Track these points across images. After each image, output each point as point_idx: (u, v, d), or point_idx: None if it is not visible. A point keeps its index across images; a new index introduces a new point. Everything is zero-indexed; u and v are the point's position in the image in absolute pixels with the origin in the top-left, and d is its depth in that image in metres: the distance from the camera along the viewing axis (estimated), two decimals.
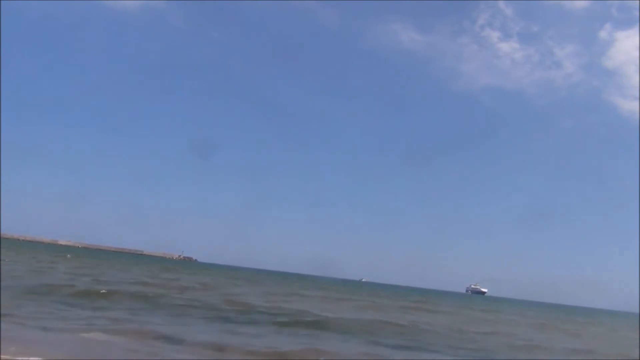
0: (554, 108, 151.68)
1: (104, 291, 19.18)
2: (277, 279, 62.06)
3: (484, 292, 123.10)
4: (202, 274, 50.34)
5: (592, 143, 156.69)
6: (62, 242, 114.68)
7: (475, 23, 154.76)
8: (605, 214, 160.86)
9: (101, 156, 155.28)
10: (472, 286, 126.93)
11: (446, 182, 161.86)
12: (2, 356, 8.38)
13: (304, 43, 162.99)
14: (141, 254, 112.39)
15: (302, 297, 30.44)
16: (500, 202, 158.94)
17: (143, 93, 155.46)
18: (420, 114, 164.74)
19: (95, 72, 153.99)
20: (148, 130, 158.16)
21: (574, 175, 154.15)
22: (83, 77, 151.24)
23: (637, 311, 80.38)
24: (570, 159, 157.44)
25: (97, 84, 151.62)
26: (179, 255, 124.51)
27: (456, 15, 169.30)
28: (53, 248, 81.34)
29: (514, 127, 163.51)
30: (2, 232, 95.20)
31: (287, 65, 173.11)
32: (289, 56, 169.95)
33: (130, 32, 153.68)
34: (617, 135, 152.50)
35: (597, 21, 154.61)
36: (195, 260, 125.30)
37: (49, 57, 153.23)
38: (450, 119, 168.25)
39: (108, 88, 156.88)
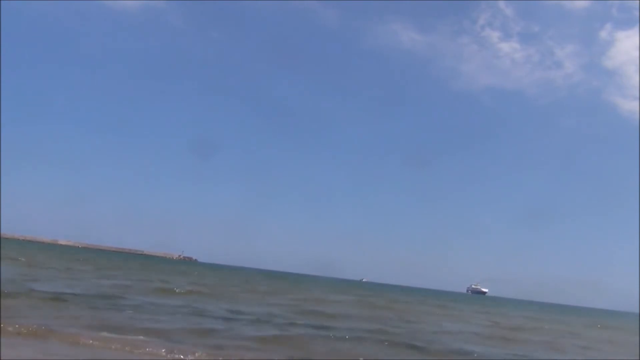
0: (554, 108, 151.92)
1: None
2: (286, 280, 61.89)
3: (485, 292, 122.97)
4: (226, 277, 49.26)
5: (592, 143, 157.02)
6: (62, 242, 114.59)
7: (475, 23, 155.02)
8: (605, 214, 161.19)
9: (101, 156, 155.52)
10: (473, 286, 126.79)
11: (446, 182, 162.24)
12: (3, 357, 8.30)
13: (304, 43, 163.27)
14: (141, 254, 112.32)
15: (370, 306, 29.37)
16: (501, 202, 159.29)
17: (143, 93, 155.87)
18: (421, 114, 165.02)
19: (94, 72, 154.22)
20: (148, 130, 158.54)
21: (574, 175, 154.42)
22: (83, 77, 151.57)
23: (637, 311, 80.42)
24: (570, 159, 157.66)
25: (97, 84, 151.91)
26: (179, 255, 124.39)
27: (456, 16, 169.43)
28: (53, 248, 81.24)
29: (514, 127, 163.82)
30: (2, 232, 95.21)
31: (287, 65, 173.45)
32: (289, 56, 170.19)
33: (130, 32, 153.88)
34: (617, 135, 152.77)
35: (597, 21, 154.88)
36: (196, 260, 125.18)
37: (48, 57, 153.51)
38: (450, 119, 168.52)
39: (108, 88, 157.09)
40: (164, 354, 9.98)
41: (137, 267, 48.01)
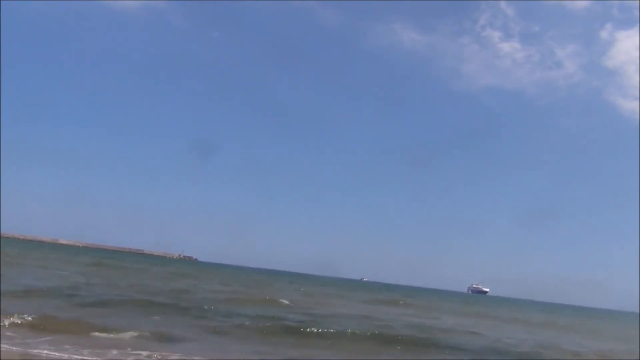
0: (555, 108, 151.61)
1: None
2: (291, 280, 61.60)
3: (486, 292, 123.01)
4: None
5: (592, 143, 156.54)
6: (63, 241, 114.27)
7: (476, 23, 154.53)
8: (606, 214, 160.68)
9: (101, 156, 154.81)
10: (474, 286, 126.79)
11: (447, 181, 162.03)
12: (2, 357, 8.09)
13: (304, 43, 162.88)
14: (142, 254, 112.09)
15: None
16: (502, 201, 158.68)
17: (143, 93, 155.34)
18: (421, 114, 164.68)
19: (95, 72, 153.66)
20: (148, 130, 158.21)
21: (574, 175, 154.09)
22: (83, 77, 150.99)
23: (637, 311, 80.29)
24: (570, 159, 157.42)
25: (97, 84, 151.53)
26: (179, 255, 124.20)
27: (457, 16, 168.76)
28: (54, 247, 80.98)
29: (514, 127, 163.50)
30: (2, 232, 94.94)
31: (288, 65, 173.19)
32: (290, 56, 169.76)
33: (131, 32, 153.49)
34: (617, 135, 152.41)
35: (597, 21, 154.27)
36: (196, 259, 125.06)
37: (48, 57, 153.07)
38: (450, 119, 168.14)
39: (108, 88, 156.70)
40: None
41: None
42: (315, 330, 14.54)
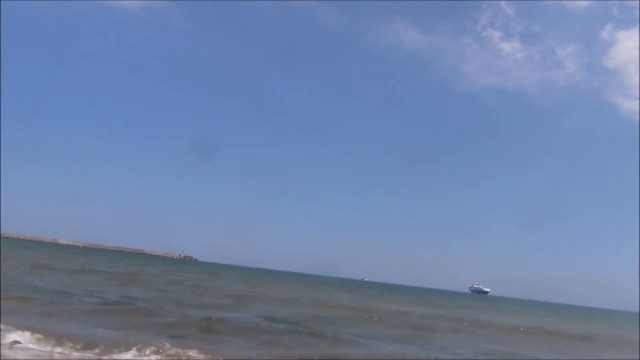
0: (555, 108, 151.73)
1: None
2: (292, 281, 61.45)
3: (487, 292, 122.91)
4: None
5: (593, 143, 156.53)
6: (63, 241, 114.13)
7: (477, 23, 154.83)
8: (606, 214, 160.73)
9: (101, 156, 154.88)
10: (475, 286, 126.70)
11: (448, 181, 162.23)
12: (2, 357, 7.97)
13: (305, 43, 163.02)
14: (142, 254, 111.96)
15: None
16: (502, 201, 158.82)
17: (143, 93, 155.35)
18: (422, 114, 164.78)
19: (95, 72, 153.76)
20: (148, 130, 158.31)
21: (575, 174, 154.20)
22: (83, 77, 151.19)
23: (637, 310, 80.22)
24: (571, 159, 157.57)
25: (98, 84, 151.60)
26: (179, 255, 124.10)
27: (458, 16, 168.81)
28: (54, 247, 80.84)
29: (515, 127, 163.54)
30: (2, 232, 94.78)
31: (288, 65, 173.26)
32: (290, 56, 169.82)
33: (131, 32, 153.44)
34: (617, 135, 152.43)
35: (598, 21, 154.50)
36: (196, 259, 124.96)
37: (49, 57, 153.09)
38: (451, 119, 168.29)
39: (108, 88, 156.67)
40: None
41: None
42: None
